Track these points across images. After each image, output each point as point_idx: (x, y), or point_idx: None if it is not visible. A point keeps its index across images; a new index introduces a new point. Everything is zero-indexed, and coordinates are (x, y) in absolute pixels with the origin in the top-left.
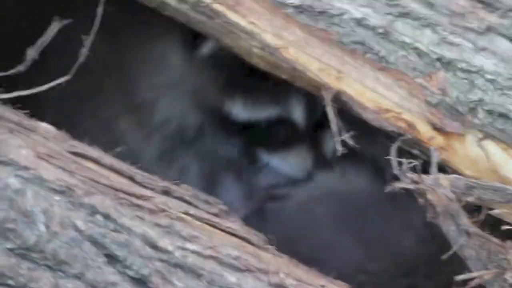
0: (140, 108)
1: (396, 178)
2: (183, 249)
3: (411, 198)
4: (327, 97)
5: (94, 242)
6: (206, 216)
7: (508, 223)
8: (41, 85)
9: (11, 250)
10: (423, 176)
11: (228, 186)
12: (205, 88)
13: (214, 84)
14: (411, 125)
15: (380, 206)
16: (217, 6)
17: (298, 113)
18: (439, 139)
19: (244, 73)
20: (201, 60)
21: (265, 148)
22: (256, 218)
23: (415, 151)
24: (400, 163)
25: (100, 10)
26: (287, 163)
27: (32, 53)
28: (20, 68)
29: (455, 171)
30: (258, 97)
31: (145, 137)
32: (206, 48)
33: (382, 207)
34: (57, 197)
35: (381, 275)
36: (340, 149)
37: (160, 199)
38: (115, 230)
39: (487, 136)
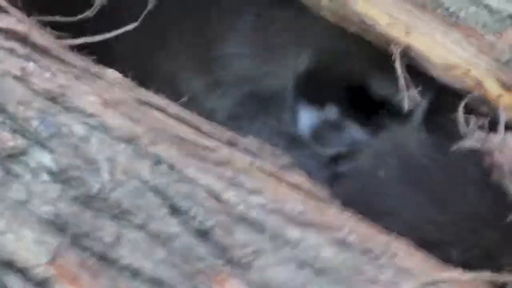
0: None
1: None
2: (247, 201)
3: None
4: (396, 52)
5: (158, 192)
6: (271, 169)
7: None
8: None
9: (75, 198)
10: (491, 134)
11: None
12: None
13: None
14: (479, 83)
15: (448, 163)
16: None
17: None
18: (507, 98)
19: None
20: None
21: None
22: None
23: (483, 110)
24: (467, 121)
25: None
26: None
27: None
28: (88, 13)
29: None
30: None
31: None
32: None
33: (450, 164)
34: (122, 145)
35: (448, 227)
36: (407, 104)
37: (226, 150)
38: (179, 181)
39: None
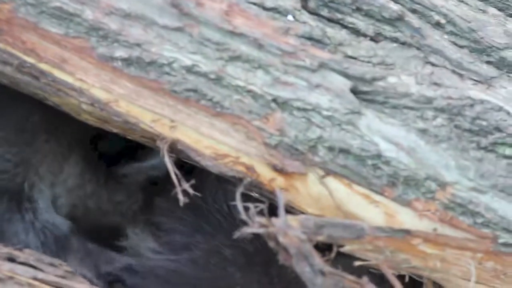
0: None
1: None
2: None
3: None
4: (163, 147)
5: None
6: (54, 279)
7: (360, 259)
8: None
9: None
10: (272, 219)
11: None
12: None
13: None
14: (250, 168)
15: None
16: (42, 66)
17: None
18: (280, 180)
19: None
20: None
21: None
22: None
23: (256, 194)
24: (246, 208)
25: None
26: None
27: None
28: None
29: (298, 211)
30: None
31: None
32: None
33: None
34: None
35: None
36: (182, 199)
37: (6, 266)
38: None
39: (329, 173)
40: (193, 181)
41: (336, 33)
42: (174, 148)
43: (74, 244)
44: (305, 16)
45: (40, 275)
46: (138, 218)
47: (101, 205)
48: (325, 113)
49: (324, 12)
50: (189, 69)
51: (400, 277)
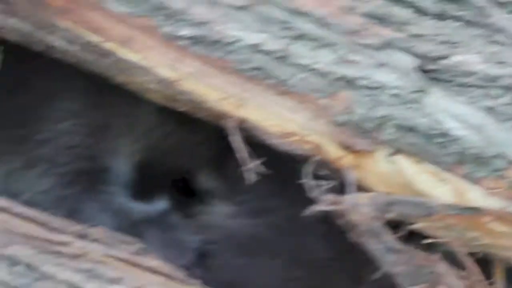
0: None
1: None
2: None
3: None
4: (230, 126)
5: None
6: (126, 256)
7: (430, 237)
8: None
9: None
10: (342, 196)
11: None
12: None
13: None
14: (318, 147)
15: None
16: (108, 45)
17: None
18: (348, 158)
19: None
20: None
21: None
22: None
23: (325, 173)
24: (316, 186)
25: None
26: None
27: None
28: None
29: (366, 189)
30: None
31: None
32: None
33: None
34: None
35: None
36: (249, 177)
37: (79, 243)
38: (39, 279)
39: (397, 151)
40: (261, 160)
41: (400, 12)
42: (241, 126)
43: (150, 230)
44: None
45: (113, 251)
46: (213, 174)
47: (178, 146)
48: (391, 91)
49: None
50: (254, 48)
51: (471, 255)
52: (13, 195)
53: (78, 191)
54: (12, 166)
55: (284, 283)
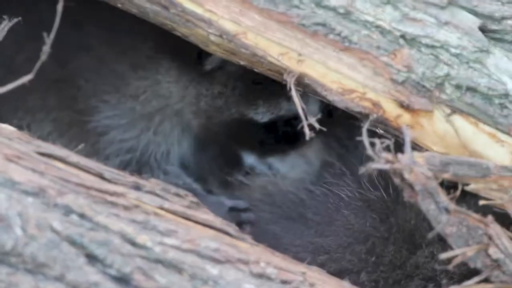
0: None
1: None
2: (162, 244)
3: None
4: (290, 81)
5: (73, 243)
6: (180, 209)
7: (484, 198)
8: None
9: None
10: (398, 155)
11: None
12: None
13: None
14: (376, 104)
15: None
16: None
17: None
18: (406, 117)
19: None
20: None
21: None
22: None
23: (382, 131)
24: (372, 144)
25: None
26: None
27: None
28: None
29: (423, 149)
30: (275, 97)
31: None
32: (211, 63)
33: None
34: (30, 199)
35: (338, 251)
36: (308, 132)
37: (133, 195)
38: (92, 229)
39: (456, 111)
40: (319, 116)
41: None
42: (301, 82)
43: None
44: None
45: (166, 204)
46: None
47: (210, 102)
48: (453, 50)
49: None
50: (318, 3)
51: None
52: None
53: None
54: None
55: (313, 254)
